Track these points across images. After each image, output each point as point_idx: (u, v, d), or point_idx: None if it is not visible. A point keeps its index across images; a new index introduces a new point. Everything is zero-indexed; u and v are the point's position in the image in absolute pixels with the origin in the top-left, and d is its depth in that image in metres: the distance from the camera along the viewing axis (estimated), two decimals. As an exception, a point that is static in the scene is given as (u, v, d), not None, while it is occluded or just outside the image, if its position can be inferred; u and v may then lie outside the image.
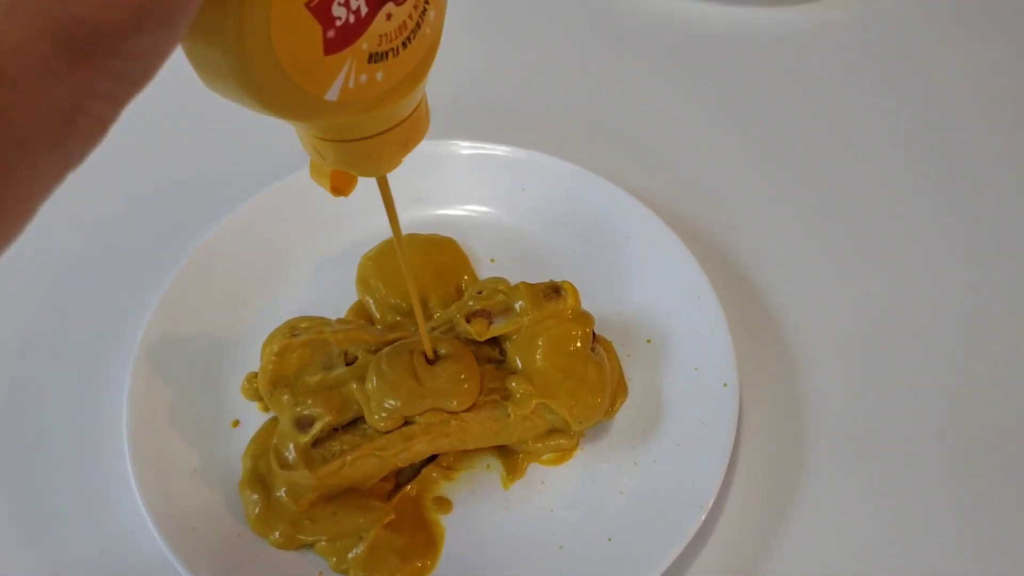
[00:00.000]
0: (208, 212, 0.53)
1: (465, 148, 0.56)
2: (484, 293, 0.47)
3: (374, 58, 0.27)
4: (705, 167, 0.59)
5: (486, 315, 0.46)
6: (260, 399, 0.48)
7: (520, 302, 0.46)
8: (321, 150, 0.31)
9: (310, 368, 0.45)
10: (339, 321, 0.48)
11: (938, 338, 0.51)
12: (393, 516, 0.44)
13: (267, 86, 0.25)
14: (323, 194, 0.54)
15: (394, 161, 0.33)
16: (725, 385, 0.46)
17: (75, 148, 0.20)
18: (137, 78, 0.20)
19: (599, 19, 0.69)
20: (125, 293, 0.53)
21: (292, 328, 0.46)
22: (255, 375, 0.48)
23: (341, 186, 0.35)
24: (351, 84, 0.26)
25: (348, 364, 0.45)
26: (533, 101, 0.62)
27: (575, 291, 0.46)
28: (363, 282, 0.52)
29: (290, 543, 0.43)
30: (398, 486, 0.45)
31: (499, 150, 0.55)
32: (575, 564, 0.42)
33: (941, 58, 0.65)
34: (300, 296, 0.52)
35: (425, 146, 0.54)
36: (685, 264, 0.50)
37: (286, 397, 0.44)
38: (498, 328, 0.46)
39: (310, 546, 0.43)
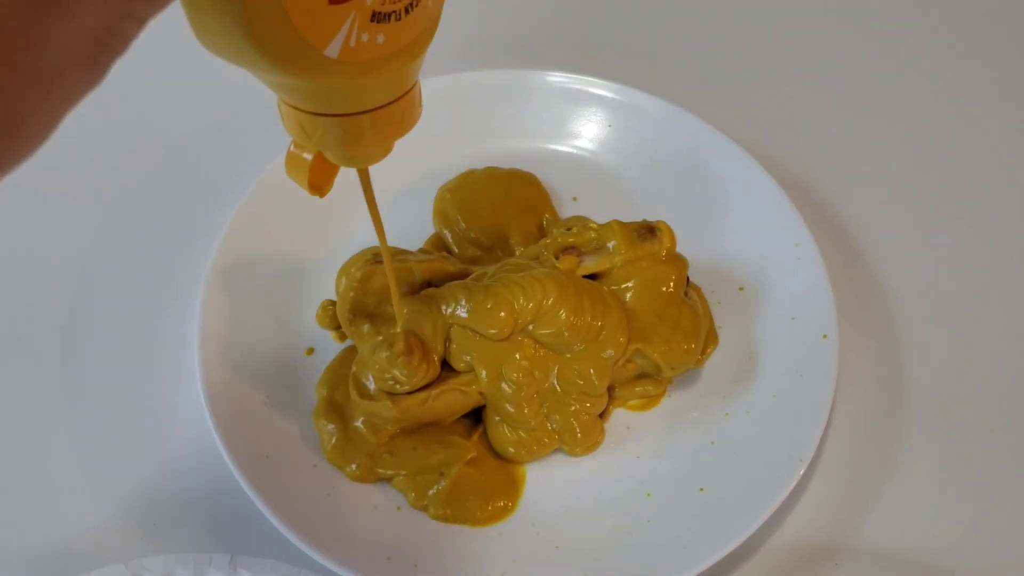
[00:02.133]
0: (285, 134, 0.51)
1: (550, 79, 0.53)
2: (574, 230, 0.45)
3: (377, 17, 0.26)
4: (808, 111, 0.56)
5: (576, 252, 0.44)
6: (336, 328, 0.46)
7: (613, 241, 0.44)
8: (308, 127, 0.30)
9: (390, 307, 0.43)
10: (420, 251, 0.46)
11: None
12: (475, 453, 0.42)
13: (268, 32, 0.24)
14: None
15: (381, 148, 0.32)
16: (824, 336, 0.44)
17: (104, 66, 0.20)
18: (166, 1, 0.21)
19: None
20: (197, 214, 0.51)
21: (375, 255, 0.44)
22: (331, 303, 0.46)
23: (320, 182, 0.33)
24: (352, 42, 0.26)
25: (432, 296, 0.43)
26: (631, 35, 0.59)
27: (671, 232, 0.44)
28: (441, 214, 0.50)
29: (368, 476, 0.42)
30: (478, 423, 0.44)
31: (587, 83, 0.53)
32: (665, 513, 0.41)
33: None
34: (376, 225, 0.50)
35: (510, 76, 0.53)
36: (783, 210, 0.47)
37: (367, 327, 0.42)
38: (588, 267, 0.44)
39: (388, 480, 0.42)
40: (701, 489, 0.41)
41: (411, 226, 0.50)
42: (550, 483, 0.42)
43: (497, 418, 0.42)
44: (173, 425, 0.44)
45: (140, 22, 0.20)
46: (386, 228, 0.50)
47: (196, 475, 0.43)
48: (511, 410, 0.41)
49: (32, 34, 0.17)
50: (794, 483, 0.40)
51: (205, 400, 0.42)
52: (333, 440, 0.42)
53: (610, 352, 0.42)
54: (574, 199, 0.51)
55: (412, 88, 0.31)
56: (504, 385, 0.41)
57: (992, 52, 0.60)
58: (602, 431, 0.43)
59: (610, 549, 0.40)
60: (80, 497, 0.43)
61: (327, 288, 0.46)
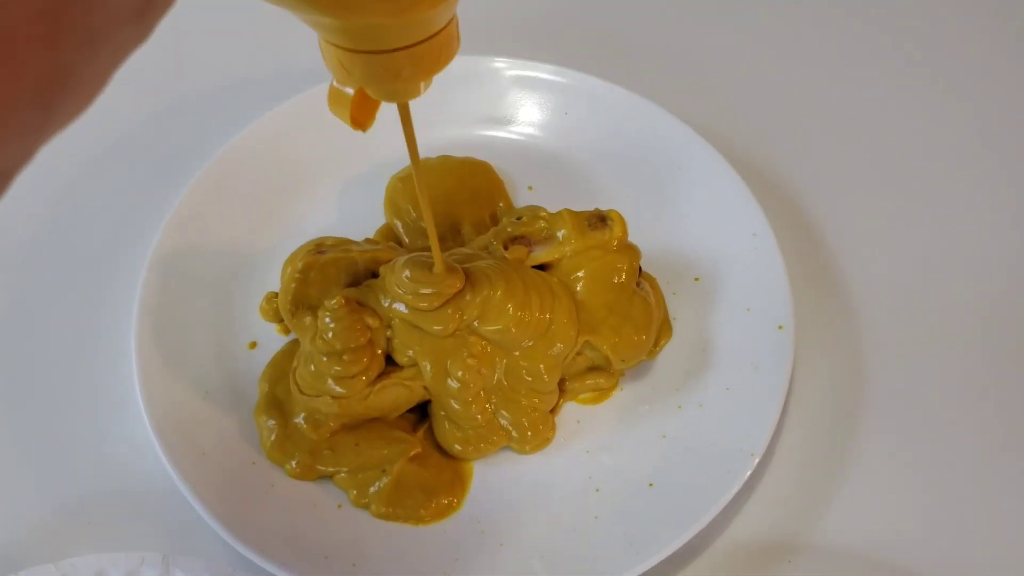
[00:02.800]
0: (229, 122, 0.50)
1: (505, 66, 0.52)
2: (524, 219, 0.44)
3: None
4: (764, 95, 0.55)
5: (525, 242, 0.43)
6: (279, 321, 0.45)
7: (563, 230, 0.43)
8: (348, 64, 0.29)
9: (335, 289, 0.42)
10: (367, 241, 0.45)
11: (1005, 287, 0.47)
12: (419, 449, 0.41)
13: None
14: (353, 107, 0.51)
15: (422, 82, 0.32)
16: (780, 327, 0.42)
17: (151, 24, 0.20)
18: None
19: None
20: (138, 203, 0.50)
21: (318, 246, 0.42)
22: (275, 295, 0.45)
23: (362, 118, 0.33)
24: None
25: (376, 286, 0.42)
26: (581, 18, 0.58)
27: (622, 221, 0.43)
28: (392, 204, 0.49)
29: (308, 473, 0.40)
30: (424, 418, 0.42)
31: (542, 70, 0.51)
32: (613, 509, 0.39)
33: None
34: (325, 216, 0.49)
35: (462, 63, 0.52)
36: (740, 198, 0.46)
37: (308, 319, 0.41)
38: (538, 257, 0.43)
39: (329, 477, 0.41)
40: (650, 484, 0.40)
41: (362, 216, 0.49)
42: (497, 479, 0.41)
43: (443, 414, 0.41)
44: (108, 419, 0.43)
45: None
46: (335, 218, 0.49)
47: (131, 471, 0.42)
48: (457, 407, 0.40)
49: None
50: (745, 477, 0.38)
51: (140, 394, 0.41)
52: (272, 436, 0.41)
53: (560, 347, 0.41)
54: (529, 188, 0.50)
55: (450, 23, 0.30)
56: (450, 381, 0.40)
57: (959, 44, 0.59)
58: (553, 427, 0.42)
59: (556, 546, 0.39)
60: (9, 494, 0.41)
61: (272, 280, 0.45)
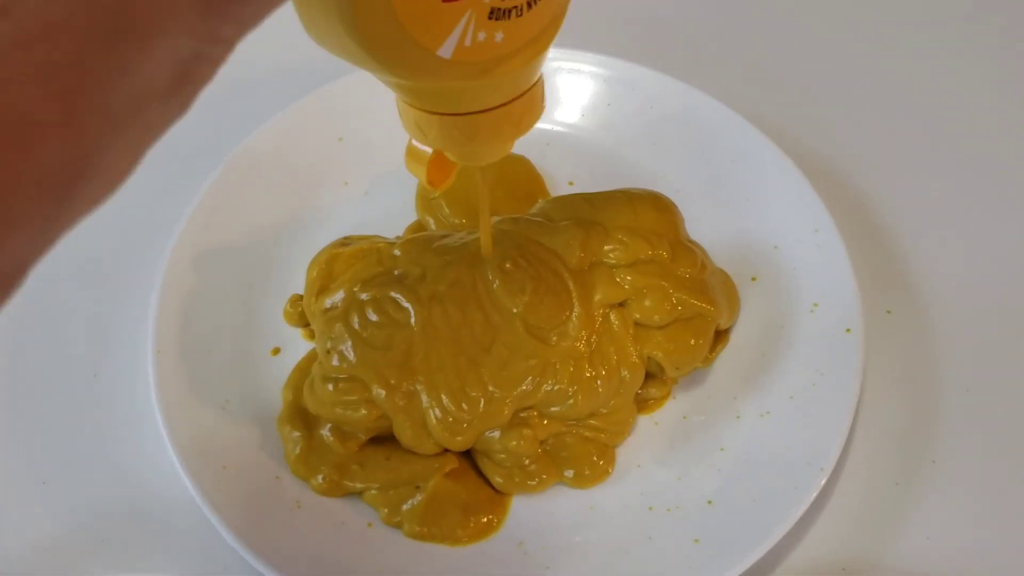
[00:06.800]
0: (248, 117, 0.47)
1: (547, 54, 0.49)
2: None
3: (496, 14, 0.25)
4: (820, 80, 0.52)
5: None
6: (304, 325, 0.42)
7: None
8: (424, 126, 0.29)
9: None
10: (396, 238, 0.42)
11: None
12: (455, 464, 0.38)
13: (377, 32, 0.24)
14: (381, 100, 0.48)
15: (501, 146, 0.31)
16: (848, 330, 0.39)
17: (189, 97, 0.19)
18: (255, 19, 0.19)
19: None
20: (154, 204, 0.47)
21: (343, 241, 0.40)
22: (299, 298, 0.42)
23: (437, 178, 0.33)
24: (467, 41, 0.25)
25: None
26: (622, 2, 0.55)
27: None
28: (424, 200, 0.46)
29: (335, 489, 0.38)
30: (461, 430, 0.40)
31: (583, 59, 0.49)
32: (669, 529, 0.36)
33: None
34: (352, 213, 0.46)
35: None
36: (799, 191, 0.43)
37: (334, 324, 0.38)
38: None
39: (358, 494, 0.38)
40: (709, 502, 0.37)
41: (392, 212, 0.46)
42: (541, 496, 0.38)
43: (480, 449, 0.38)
44: (123, 431, 0.41)
45: (229, 45, 0.19)
46: (364, 215, 0.47)
47: (147, 486, 0.39)
48: (502, 456, 0.37)
49: (109, 67, 0.16)
50: (814, 495, 0.35)
51: (158, 404, 0.38)
52: (297, 449, 0.38)
53: (625, 374, 0.38)
54: (570, 183, 0.48)
55: (534, 85, 0.29)
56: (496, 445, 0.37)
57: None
58: (612, 459, 0.39)
59: (607, 570, 0.36)
60: (19, 510, 0.39)
61: (297, 283, 0.42)
